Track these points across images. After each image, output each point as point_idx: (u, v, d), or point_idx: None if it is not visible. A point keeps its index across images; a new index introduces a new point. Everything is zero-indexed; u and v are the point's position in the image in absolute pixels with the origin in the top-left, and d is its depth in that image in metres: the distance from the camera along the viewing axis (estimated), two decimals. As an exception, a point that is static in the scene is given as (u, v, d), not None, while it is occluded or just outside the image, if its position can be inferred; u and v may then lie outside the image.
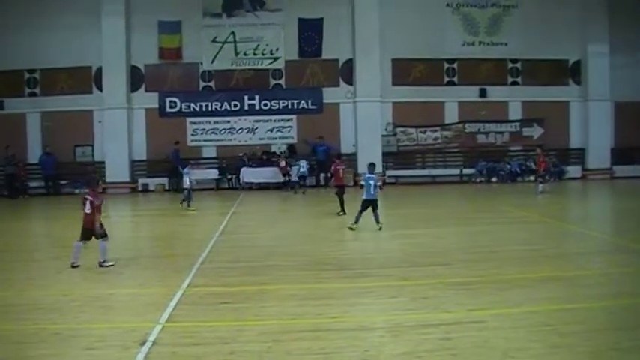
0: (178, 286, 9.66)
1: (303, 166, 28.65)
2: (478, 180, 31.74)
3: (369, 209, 15.68)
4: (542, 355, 6.54)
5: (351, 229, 15.56)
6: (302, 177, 28.78)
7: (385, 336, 7.20)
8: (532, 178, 31.29)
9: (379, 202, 15.89)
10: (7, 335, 7.46)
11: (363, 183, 16.49)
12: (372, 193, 15.65)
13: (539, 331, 7.19)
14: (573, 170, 31.94)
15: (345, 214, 18.13)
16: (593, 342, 6.84)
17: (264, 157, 30.26)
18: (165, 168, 29.92)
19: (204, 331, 7.46)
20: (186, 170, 21.84)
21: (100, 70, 30.45)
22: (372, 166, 15.98)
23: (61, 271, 11.27)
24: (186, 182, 21.52)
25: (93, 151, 30.99)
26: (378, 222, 15.55)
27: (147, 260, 12.56)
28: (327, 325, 7.64)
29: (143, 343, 6.93)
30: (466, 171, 32.25)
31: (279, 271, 11.02)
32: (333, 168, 19.50)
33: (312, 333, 7.33)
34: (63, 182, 30.05)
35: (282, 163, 29.16)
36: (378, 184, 15.96)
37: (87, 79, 30.78)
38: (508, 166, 31.96)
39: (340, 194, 18.74)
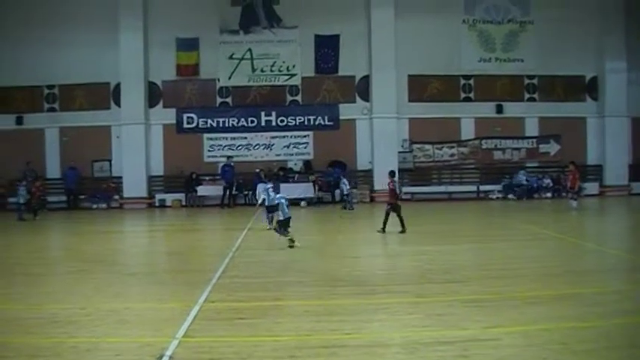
0: (195, 301, 9.68)
1: (345, 183, 28.35)
2: (495, 197, 31.62)
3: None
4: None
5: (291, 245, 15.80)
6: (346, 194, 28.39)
7: (401, 353, 7.19)
8: (549, 194, 31.37)
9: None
10: (23, 349, 7.49)
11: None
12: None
13: (554, 350, 7.14)
14: (590, 187, 31.69)
15: (404, 231, 17.84)
16: (609, 360, 6.83)
17: (280, 174, 30.29)
18: (181, 184, 30.20)
19: (221, 346, 7.47)
20: (268, 186, 19.81)
21: (118, 86, 30.81)
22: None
23: (78, 285, 11.36)
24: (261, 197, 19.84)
25: (110, 166, 31.28)
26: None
27: (163, 275, 12.64)
28: (342, 341, 7.63)
29: (160, 358, 6.94)
30: (482, 187, 32.15)
31: (294, 287, 11.06)
32: (391, 185, 18.63)
33: (328, 349, 7.32)
34: (81, 197, 30.30)
35: (312, 178, 29.61)
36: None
37: (105, 95, 31.17)
38: (525, 183, 31.81)
39: (394, 210, 18.13)
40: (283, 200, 16.86)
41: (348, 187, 28.30)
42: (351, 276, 11.88)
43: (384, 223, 18.08)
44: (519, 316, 8.57)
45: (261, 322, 8.53)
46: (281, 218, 16.48)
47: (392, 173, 19.27)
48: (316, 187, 29.55)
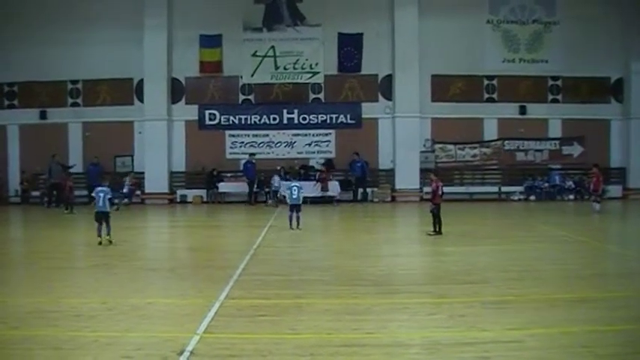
0: (216, 297, 9.73)
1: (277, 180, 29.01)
2: (516, 198, 31.43)
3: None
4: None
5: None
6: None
7: (422, 353, 7.18)
8: (571, 196, 31.15)
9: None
10: (45, 341, 7.59)
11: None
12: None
13: (577, 353, 7.10)
14: (614, 190, 31.26)
15: (441, 234, 17.51)
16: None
17: (302, 172, 30.27)
18: (202, 180, 30.40)
19: (242, 343, 7.51)
20: (298, 184, 20.01)
21: (141, 82, 30.93)
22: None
23: (99, 280, 11.45)
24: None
25: (133, 161, 31.41)
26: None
27: (185, 271, 12.68)
28: (363, 340, 7.64)
29: (181, 353, 6.99)
30: (504, 188, 31.98)
31: (315, 285, 11.05)
32: (434, 185, 18.11)
33: (349, 348, 7.33)
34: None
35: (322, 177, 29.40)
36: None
37: (128, 91, 31.29)
38: (547, 184, 31.60)
39: (437, 212, 17.67)
40: (295, 187, 18.49)
41: (277, 184, 28.78)
42: (372, 275, 11.86)
43: (434, 225, 17.62)
44: (541, 319, 8.51)
45: (281, 320, 8.55)
46: (288, 202, 18.45)
47: (435, 173, 19.15)
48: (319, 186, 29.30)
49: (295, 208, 19.09)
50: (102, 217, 15.84)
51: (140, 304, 9.55)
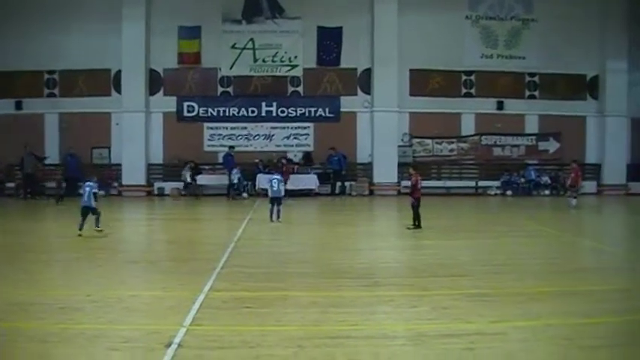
0: (200, 290, 9.72)
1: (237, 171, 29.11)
2: (493, 193, 31.70)
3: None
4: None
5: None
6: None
7: (407, 345, 7.25)
8: (547, 192, 31.48)
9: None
10: (31, 334, 7.55)
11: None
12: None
13: (560, 345, 7.22)
14: (589, 185, 31.61)
15: (420, 227, 17.51)
16: (614, 357, 6.90)
17: (281, 163, 30.20)
18: (180, 172, 30.28)
19: (229, 335, 7.53)
20: (278, 177, 20.20)
21: (119, 73, 30.63)
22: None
23: (82, 273, 11.41)
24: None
25: (110, 153, 31.14)
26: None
27: (167, 263, 12.67)
28: (349, 332, 7.69)
29: (168, 346, 6.98)
30: (481, 183, 32.25)
31: (299, 278, 11.10)
32: (413, 179, 18.13)
33: (335, 340, 7.39)
34: (79, 184, 30.08)
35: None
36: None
37: (106, 82, 30.95)
38: (523, 179, 31.90)
39: (416, 207, 17.71)
40: (276, 180, 18.94)
41: (239, 175, 29.00)
42: (355, 268, 11.94)
43: (414, 219, 17.64)
44: (524, 312, 8.65)
45: (267, 312, 8.58)
46: (269, 195, 18.86)
47: (415, 167, 19.26)
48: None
49: (276, 200, 19.12)
50: (86, 212, 15.76)
51: (124, 296, 9.53)
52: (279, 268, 11.97)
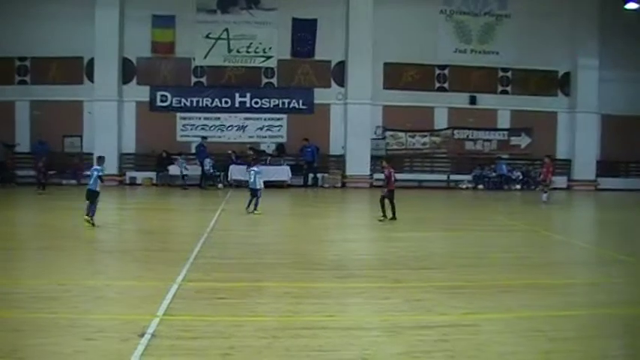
0: (173, 280, 9.69)
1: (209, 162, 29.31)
2: (465, 186, 31.96)
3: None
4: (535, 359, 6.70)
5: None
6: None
7: (381, 336, 7.31)
8: (518, 186, 31.81)
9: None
10: (4, 323, 7.50)
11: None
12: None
13: (531, 337, 7.36)
14: (559, 181, 31.91)
15: (395, 219, 17.74)
16: (584, 348, 7.02)
17: (253, 156, 30.10)
18: (153, 162, 30.10)
19: (203, 325, 7.53)
20: (256, 169, 19.96)
21: (91, 61, 30.27)
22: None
23: (55, 262, 11.30)
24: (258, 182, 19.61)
25: (82, 142, 30.79)
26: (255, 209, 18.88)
27: (140, 253, 12.58)
28: (323, 323, 7.73)
29: (142, 335, 6.96)
30: (453, 177, 32.49)
31: (273, 269, 11.10)
32: (387, 172, 18.15)
33: (310, 331, 7.41)
34: (51, 172, 29.81)
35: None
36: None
37: (78, 70, 30.60)
38: (494, 174, 32.19)
39: (391, 199, 17.87)
40: (253, 172, 19.21)
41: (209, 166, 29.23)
42: (328, 260, 12.01)
43: (384, 211, 17.81)
44: (496, 304, 8.78)
45: (241, 303, 8.60)
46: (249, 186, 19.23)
47: (387, 159, 19.33)
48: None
49: (254, 192, 19.18)
50: (91, 196, 15.76)
51: (98, 285, 9.51)
52: (252, 259, 11.96)
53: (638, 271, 11.53)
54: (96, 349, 6.67)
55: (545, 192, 24.66)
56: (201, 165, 29.15)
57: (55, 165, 29.13)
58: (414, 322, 7.79)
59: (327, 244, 14.47)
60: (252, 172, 19.54)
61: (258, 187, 19.31)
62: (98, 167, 16.44)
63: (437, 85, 32.59)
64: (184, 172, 29.18)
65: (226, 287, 9.49)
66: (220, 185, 29.02)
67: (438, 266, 11.58)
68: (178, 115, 31.35)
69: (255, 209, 18.96)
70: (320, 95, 31.87)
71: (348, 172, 31.25)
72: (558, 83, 33.32)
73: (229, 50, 31.44)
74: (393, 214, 17.80)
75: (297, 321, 7.82)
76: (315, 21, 31.47)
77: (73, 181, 29.08)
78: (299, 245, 13.97)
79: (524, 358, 6.75)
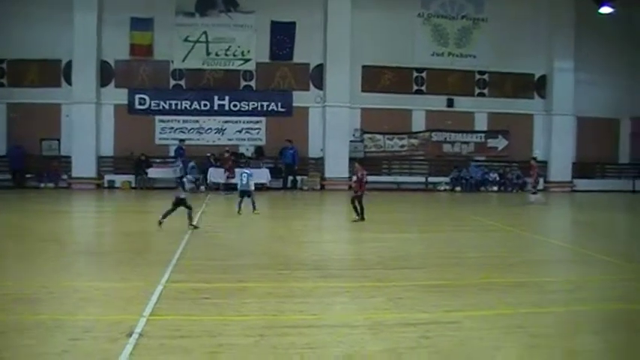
0: (158, 281, 9.72)
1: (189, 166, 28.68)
2: (442, 188, 32.22)
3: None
4: (517, 354, 6.84)
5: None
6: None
7: (366, 333, 7.40)
8: (495, 188, 32.13)
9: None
10: (-10, 324, 7.49)
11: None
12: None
13: (513, 333, 7.50)
14: (536, 182, 32.47)
15: (364, 219, 18.04)
16: (565, 344, 7.20)
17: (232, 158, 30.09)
18: (131, 165, 30.01)
19: (190, 324, 7.58)
20: (248, 171, 20.53)
21: (69, 63, 30.17)
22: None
23: (36, 264, 11.27)
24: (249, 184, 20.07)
25: (59, 145, 30.64)
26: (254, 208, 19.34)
27: (122, 255, 12.54)
28: (308, 322, 7.82)
29: (130, 335, 7.00)
30: (431, 179, 32.71)
31: (255, 270, 11.15)
32: (359, 174, 18.52)
33: (296, 329, 7.49)
34: (28, 176, 29.66)
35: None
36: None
37: (56, 73, 30.47)
38: (479, 176, 32.51)
39: (360, 200, 18.24)
40: (245, 174, 19.53)
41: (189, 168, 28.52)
42: (310, 260, 12.08)
43: (358, 212, 18.15)
44: (477, 302, 8.90)
45: (226, 303, 8.65)
46: (238, 188, 19.72)
47: (361, 162, 19.54)
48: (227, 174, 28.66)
49: (245, 194, 19.61)
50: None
51: (81, 287, 9.50)
52: (234, 260, 12.02)
53: (615, 269, 11.72)
54: (84, 349, 6.69)
55: (535, 193, 25.10)
56: (185, 167, 29.07)
57: (33, 168, 29.00)
58: (398, 320, 7.90)
59: (308, 246, 14.55)
60: (244, 174, 19.89)
61: (250, 188, 19.58)
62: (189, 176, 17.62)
63: (414, 87, 32.86)
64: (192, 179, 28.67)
65: (211, 288, 9.54)
66: (202, 187, 28.92)
67: (418, 266, 11.73)
68: (157, 117, 31.33)
69: (254, 209, 19.38)
70: (299, 98, 32.01)
71: (327, 175, 31.40)
72: (534, 86, 33.77)
73: (208, 53, 31.49)
74: (362, 215, 18.08)
75: (282, 320, 7.89)
76: (293, 24, 31.57)
77: (51, 185, 28.92)
78: (280, 246, 14.03)
79: (508, 352, 6.87)
